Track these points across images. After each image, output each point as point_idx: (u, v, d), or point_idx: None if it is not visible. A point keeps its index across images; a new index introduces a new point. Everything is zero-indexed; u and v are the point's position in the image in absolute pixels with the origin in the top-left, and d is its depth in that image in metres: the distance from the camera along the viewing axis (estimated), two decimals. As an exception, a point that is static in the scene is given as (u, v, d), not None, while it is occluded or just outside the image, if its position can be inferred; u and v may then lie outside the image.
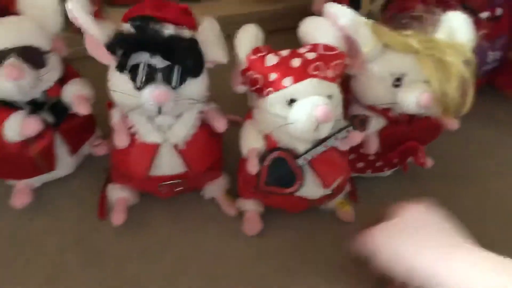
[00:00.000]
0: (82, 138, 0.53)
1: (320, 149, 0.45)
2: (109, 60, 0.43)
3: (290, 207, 0.51)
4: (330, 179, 0.47)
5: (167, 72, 0.42)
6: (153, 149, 0.46)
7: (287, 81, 0.43)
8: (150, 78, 0.42)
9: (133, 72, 0.42)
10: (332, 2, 0.48)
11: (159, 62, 0.42)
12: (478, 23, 0.51)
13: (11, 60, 0.43)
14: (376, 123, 0.51)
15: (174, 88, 0.43)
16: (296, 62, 0.44)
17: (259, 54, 0.46)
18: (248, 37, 0.47)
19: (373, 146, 0.51)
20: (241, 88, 0.48)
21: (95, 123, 0.55)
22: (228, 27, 0.49)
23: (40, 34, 0.46)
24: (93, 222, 0.52)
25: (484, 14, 0.65)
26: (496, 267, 0.36)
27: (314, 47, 0.46)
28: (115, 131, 0.47)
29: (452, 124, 0.53)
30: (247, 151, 0.47)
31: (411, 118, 0.51)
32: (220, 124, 0.48)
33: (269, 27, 0.72)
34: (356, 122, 0.46)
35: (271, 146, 0.46)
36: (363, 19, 0.47)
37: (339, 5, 0.47)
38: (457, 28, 0.48)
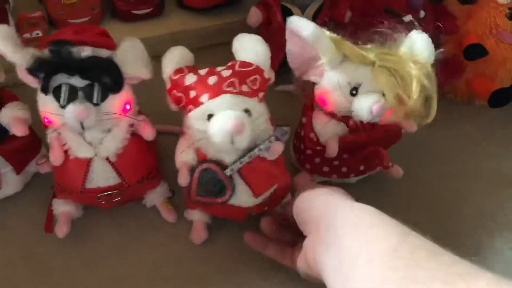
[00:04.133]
0: (26, 158, 0.56)
1: (246, 159, 0.48)
2: (34, 83, 0.47)
3: (231, 215, 0.54)
4: (260, 188, 0.50)
5: (88, 90, 0.46)
6: (85, 163, 0.50)
7: (204, 97, 0.47)
8: (72, 97, 0.46)
9: (56, 92, 0.46)
10: (294, 16, 0.50)
11: (78, 81, 0.46)
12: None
13: None
14: (335, 127, 0.54)
15: (96, 104, 0.47)
16: (212, 80, 0.48)
17: (179, 74, 0.49)
18: (172, 58, 0.51)
19: (332, 150, 0.53)
20: (174, 106, 0.51)
21: (40, 143, 0.58)
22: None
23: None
24: (40, 236, 0.54)
25: (408, 17, 0.69)
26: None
27: (230, 65, 0.50)
28: (50, 150, 0.51)
29: (411, 126, 0.55)
30: (178, 165, 0.50)
31: (371, 127, 0.54)
32: (147, 134, 0.52)
33: (212, 41, 0.77)
34: (276, 132, 0.50)
35: (201, 159, 0.49)
36: (324, 31, 0.50)
37: (301, 18, 0.50)
38: (416, 46, 0.51)
